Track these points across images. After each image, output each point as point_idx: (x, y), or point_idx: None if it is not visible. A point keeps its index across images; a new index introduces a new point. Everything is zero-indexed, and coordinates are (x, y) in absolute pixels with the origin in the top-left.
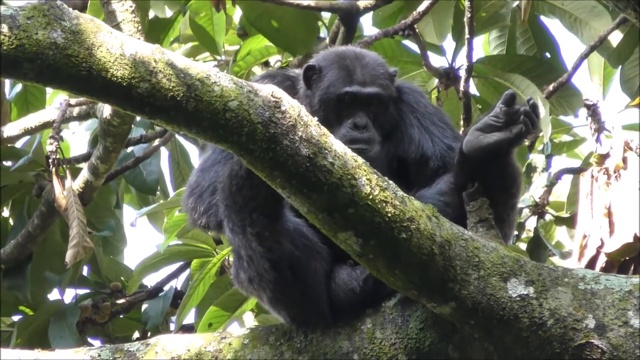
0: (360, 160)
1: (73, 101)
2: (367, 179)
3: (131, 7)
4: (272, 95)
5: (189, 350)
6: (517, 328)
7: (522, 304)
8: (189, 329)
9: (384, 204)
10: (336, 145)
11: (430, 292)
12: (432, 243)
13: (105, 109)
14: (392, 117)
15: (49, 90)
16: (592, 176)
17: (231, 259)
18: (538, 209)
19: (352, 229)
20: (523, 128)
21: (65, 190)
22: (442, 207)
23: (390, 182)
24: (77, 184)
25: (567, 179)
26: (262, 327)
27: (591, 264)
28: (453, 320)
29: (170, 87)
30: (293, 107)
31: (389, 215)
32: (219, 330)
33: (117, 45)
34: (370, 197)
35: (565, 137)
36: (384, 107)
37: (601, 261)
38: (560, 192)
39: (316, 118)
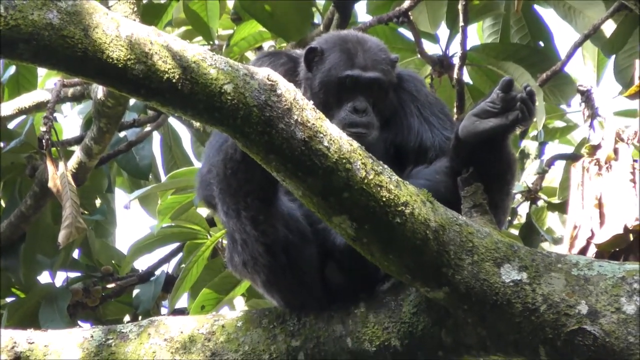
0: (355, 144)
1: (67, 82)
2: (362, 163)
3: None
4: (267, 79)
5: (181, 332)
6: (510, 313)
7: (516, 289)
8: (181, 312)
9: (379, 188)
10: (331, 129)
11: (424, 276)
12: (426, 228)
13: (100, 90)
14: (391, 103)
15: (41, 72)
16: (583, 167)
17: (224, 241)
18: (530, 195)
19: (346, 213)
20: (519, 115)
21: (58, 171)
22: (436, 184)
23: (385, 166)
24: (71, 164)
25: (560, 165)
26: (256, 309)
27: (581, 254)
28: (446, 305)
29: (166, 69)
30: (289, 91)
31: (384, 199)
32: (211, 312)
33: (113, 26)
34: (365, 181)
35: (559, 123)
36: (384, 92)
37: (591, 252)
38: (553, 178)
39: (312, 102)
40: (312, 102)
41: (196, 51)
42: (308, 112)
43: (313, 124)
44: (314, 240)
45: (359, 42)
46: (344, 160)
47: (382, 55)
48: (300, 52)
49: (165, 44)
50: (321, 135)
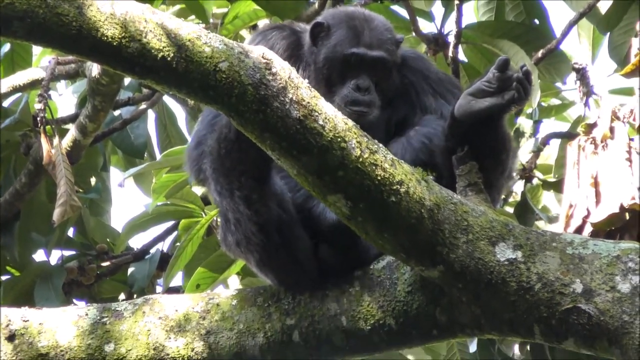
0: (350, 123)
1: (62, 59)
2: (357, 142)
3: None
4: (262, 57)
5: (176, 311)
6: (505, 292)
7: (510, 268)
8: (176, 291)
9: (374, 167)
10: (326, 107)
11: (419, 255)
12: (421, 206)
13: (94, 68)
14: (394, 83)
15: (36, 50)
16: (579, 145)
17: (219, 219)
18: (525, 173)
19: (341, 191)
20: (515, 94)
21: (53, 149)
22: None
23: (380, 145)
24: (65, 142)
25: (555, 143)
26: (250, 288)
27: (577, 234)
28: (441, 284)
29: (161, 48)
30: (284, 69)
31: (379, 178)
32: (206, 291)
33: (107, 4)
34: (360, 159)
35: (554, 101)
36: (388, 72)
37: (587, 231)
38: (548, 155)
39: (315, 76)
40: (315, 76)
41: (191, 29)
42: (303, 90)
43: (308, 102)
44: (306, 220)
45: (365, 20)
46: (339, 139)
47: (387, 34)
48: (303, 25)
49: (160, 22)
50: (316, 113)
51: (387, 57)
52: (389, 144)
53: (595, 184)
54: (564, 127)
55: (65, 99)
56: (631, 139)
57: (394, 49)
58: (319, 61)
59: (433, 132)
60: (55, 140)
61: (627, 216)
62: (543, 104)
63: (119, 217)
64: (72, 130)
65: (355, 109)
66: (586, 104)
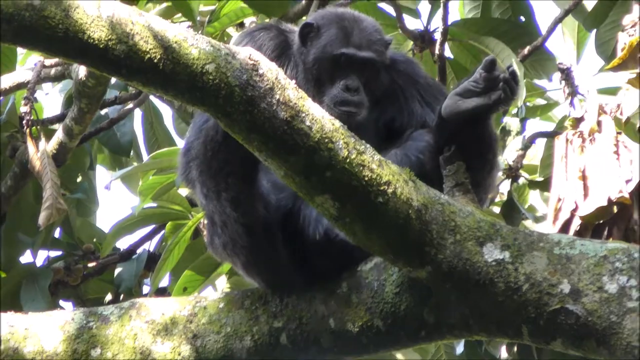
0: (337, 123)
1: (48, 62)
2: (345, 143)
3: None
4: (249, 58)
5: (163, 314)
6: (493, 292)
7: (498, 268)
8: (163, 291)
9: (361, 168)
10: (313, 108)
11: (407, 256)
12: (408, 207)
13: (81, 70)
14: (382, 84)
15: (21, 51)
16: (567, 139)
17: (206, 222)
18: (512, 173)
19: (329, 192)
20: (502, 95)
21: (39, 152)
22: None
23: (368, 145)
24: (51, 145)
25: (541, 142)
26: (238, 291)
27: (565, 227)
28: (429, 285)
29: (148, 50)
30: (271, 70)
31: (366, 178)
32: (193, 294)
33: (94, 6)
34: (348, 160)
35: (539, 101)
36: (377, 73)
37: (575, 224)
38: (534, 155)
39: (304, 76)
40: (304, 76)
41: (178, 31)
42: (290, 91)
43: (295, 103)
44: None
45: (355, 20)
46: (326, 140)
47: (377, 35)
48: (291, 26)
49: (146, 24)
50: (303, 114)
51: (376, 58)
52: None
53: (583, 178)
54: (550, 127)
55: (51, 98)
56: (618, 133)
57: (383, 50)
58: (308, 61)
59: (424, 145)
60: (41, 143)
61: (615, 209)
62: (528, 104)
63: (105, 216)
64: (58, 133)
65: (344, 109)
66: (571, 104)
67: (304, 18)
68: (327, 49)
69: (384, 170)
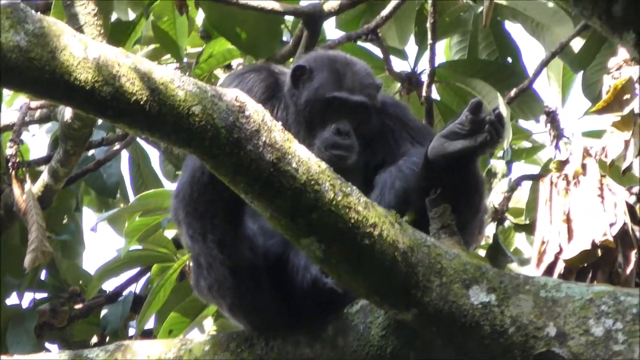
0: (324, 165)
1: (33, 104)
2: (331, 184)
3: (93, 10)
4: (236, 100)
5: (149, 357)
6: (479, 335)
7: (484, 311)
8: (149, 334)
9: (347, 210)
10: (300, 150)
11: (393, 298)
12: (395, 249)
13: (66, 112)
14: (373, 127)
15: (7, 92)
16: (552, 182)
17: (192, 264)
18: (497, 215)
19: (315, 234)
20: (488, 137)
21: (24, 194)
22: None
23: (354, 187)
24: (37, 187)
25: (527, 185)
26: (223, 333)
27: (549, 270)
28: (415, 327)
29: (134, 91)
30: (257, 112)
31: (352, 220)
32: (179, 336)
33: (80, 48)
34: (334, 202)
35: (525, 144)
36: (368, 116)
37: (559, 267)
38: (519, 199)
39: (280, 122)
40: (295, 118)
41: (164, 72)
42: (276, 133)
43: (281, 145)
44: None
45: (347, 64)
46: (312, 182)
47: (369, 79)
48: (280, 67)
49: (133, 66)
50: (289, 156)
51: (368, 102)
52: (378, 173)
53: (568, 221)
54: (535, 170)
55: (38, 139)
56: (603, 176)
57: (374, 94)
58: (300, 104)
59: (418, 161)
60: (27, 185)
61: (600, 253)
62: (514, 146)
63: (91, 257)
64: (43, 175)
65: (336, 152)
66: (557, 147)
67: (291, 60)
68: (319, 92)
69: (370, 212)
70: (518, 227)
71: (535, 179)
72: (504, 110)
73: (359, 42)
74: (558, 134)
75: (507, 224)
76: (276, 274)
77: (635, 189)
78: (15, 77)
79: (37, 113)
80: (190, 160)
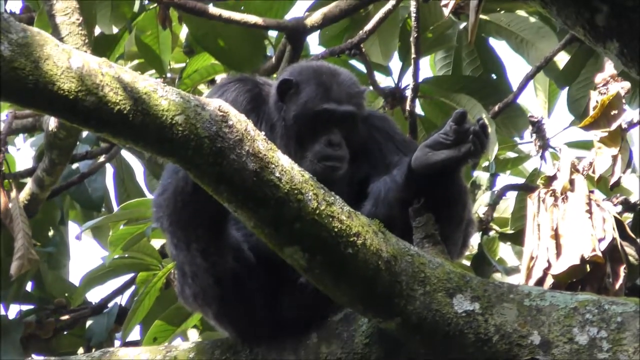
0: (307, 175)
1: (19, 113)
2: (314, 194)
3: (78, 19)
4: (219, 110)
5: None
6: (463, 344)
7: (468, 319)
8: (134, 344)
9: (331, 219)
10: (283, 160)
11: (376, 307)
12: (378, 258)
13: (52, 122)
14: (360, 136)
15: None
16: (540, 197)
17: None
18: (482, 226)
19: (298, 243)
20: (472, 147)
21: (10, 202)
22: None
23: (337, 197)
24: (23, 195)
25: (512, 195)
26: (208, 340)
27: (538, 286)
28: (399, 336)
29: (117, 101)
30: (240, 122)
31: (336, 230)
32: (164, 344)
33: (64, 58)
34: (317, 212)
35: (510, 154)
36: (356, 125)
37: (548, 283)
38: (505, 208)
39: (263, 132)
40: (285, 132)
41: (147, 82)
42: (259, 143)
43: (264, 154)
44: (263, 272)
45: (332, 75)
46: (296, 191)
47: (355, 88)
48: (264, 79)
49: (116, 76)
50: (272, 166)
51: (356, 111)
52: (371, 181)
53: (556, 236)
54: (520, 180)
55: (23, 153)
56: (591, 191)
57: (361, 102)
58: (289, 118)
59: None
60: (13, 194)
61: (588, 268)
62: (499, 157)
63: (77, 270)
64: (29, 184)
65: (329, 164)
66: (542, 157)
67: (274, 75)
68: (308, 106)
69: (354, 221)
70: (503, 237)
71: (521, 189)
72: (488, 124)
73: (343, 57)
74: (544, 144)
75: (492, 233)
76: (261, 277)
77: (620, 199)
78: None
79: (23, 122)
80: (171, 166)
